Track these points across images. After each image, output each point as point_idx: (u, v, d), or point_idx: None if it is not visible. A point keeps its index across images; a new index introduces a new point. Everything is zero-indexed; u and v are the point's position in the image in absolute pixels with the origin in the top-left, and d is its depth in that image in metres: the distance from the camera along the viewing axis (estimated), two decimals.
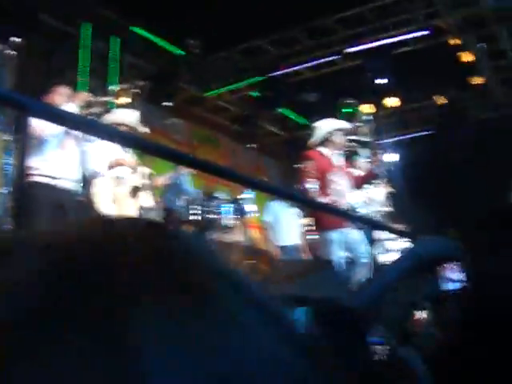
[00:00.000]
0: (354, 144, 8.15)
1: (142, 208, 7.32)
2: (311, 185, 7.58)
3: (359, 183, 8.29)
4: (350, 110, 12.49)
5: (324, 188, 7.60)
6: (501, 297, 1.12)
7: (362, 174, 8.40)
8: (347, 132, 8.10)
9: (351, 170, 8.21)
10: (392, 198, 10.69)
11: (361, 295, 1.62)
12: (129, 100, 7.17)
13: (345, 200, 7.74)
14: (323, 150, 7.85)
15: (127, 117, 7.48)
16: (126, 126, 7.32)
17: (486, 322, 1.11)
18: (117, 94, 7.09)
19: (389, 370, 1.43)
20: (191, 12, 10.45)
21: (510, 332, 1.06)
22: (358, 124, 8.61)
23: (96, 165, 7.29)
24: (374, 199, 9.76)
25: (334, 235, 7.51)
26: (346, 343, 1.46)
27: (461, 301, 1.22)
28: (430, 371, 1.83)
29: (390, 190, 10.68)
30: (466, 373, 1.10)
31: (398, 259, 2.12)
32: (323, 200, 7.49)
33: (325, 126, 8.03)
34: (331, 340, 1.47)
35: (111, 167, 7.21)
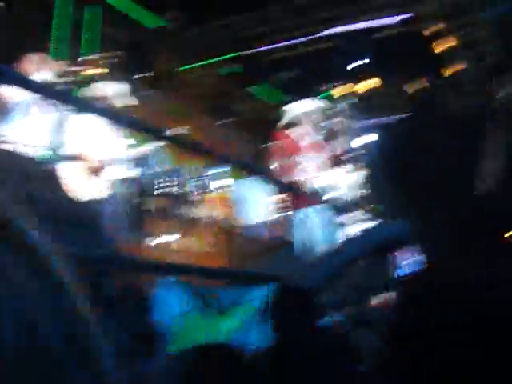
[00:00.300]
0: (328, 127, 8.16)
1: (114, 180, 7.32)
2: (276, 164, 7.64)
3: (332, 163, 8.33)
4: (328, 94, 12.48)
5: (290, 169, 7.65)
6: (451, 284, 1.14)
7: (336, 153, 8.41)
8: (319, 114, 8.13)
9: (323, 150, 8.22)
10: (366, 181, 10.76)
11: (312, 276, 1.64)
12: (99, 71, 7.13)
13: (310, 181, 7.79)
14: (291, 131, 7.91)
15: (110, 89, 7.48)
16: (109, 98, 7.32)
17: (432, 306, 1.12)
18: (88, 64, 7.05)
19: (338, 350, 1.45)
20: None
21: (455, 317, 1.08)
22: (333, 107, 8.63)
23: (70, 139, 7.28)
24: (345, 182, 9.81)
25: (297, 215, 7.58)
26: (297, 325, 1.48)
27: (409, 285, 1.24)
28: (381, 353, 1.86)
29: (364, 172, 10.73)
30: (414, 356, 1.12)
31: (351, 241, 2.14)
32: (287, 180, 7.54)
33: (294, 108, 8.08)
34: (283, 320, 1.49)
35: (76, 156, 7.20)
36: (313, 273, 1.63)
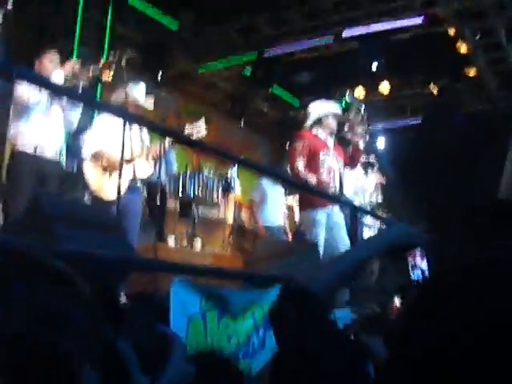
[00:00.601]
0: (358, 132, 8.17)
1: (137, 178, 7.35)
2: (300, 164, 7.66)
3: (352, 163, 8.37)
4: (347, 100, 12.45)
5: (315, 167, 7.70)
6: (458, 290, 1.13)
7: (356, 156, 8.41)
8: (340, 118, 8.16)
9: (343, 153, 8.24)
10: (383, 188, 10.76)
11: (322, 279, 1.64)
12: (112, 73, 7.16)
13: (334, 181, 7.85)
14: (316, 131, 7.96)
15: (137, 95, 7.54)
16: (134, 102, 7.38)
17: (437, 313, 1.12)
18: (102, 67, 7.08)
19: (348, 353, 1.45)
20: None
21: (460, 325, 1.08)
22: (353, 113, 8.64)
23: (91, 140, 7.35)
24: (365, 189, 9.82)
25: (320, 214, 7.60)
26: (309, 329, 1.48)
27: (418, 290, 1.24)
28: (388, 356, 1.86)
29: (382, 179, 10.74)
30: (416, 362, 1.12)
31: (361, 243, 2.15)
32: (312, 179, 7.58)
33: (319, 108, 8.14)
34: (297, 325, 1.49)
35: (95, 155, 7.25)
36: (320, 275, 1.63)
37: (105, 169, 7.17)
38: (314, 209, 7.64)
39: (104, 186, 7.14)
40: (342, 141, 8.26)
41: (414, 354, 1.12)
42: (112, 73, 7.12)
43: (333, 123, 8.03)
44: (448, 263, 1.25)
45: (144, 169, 7.36)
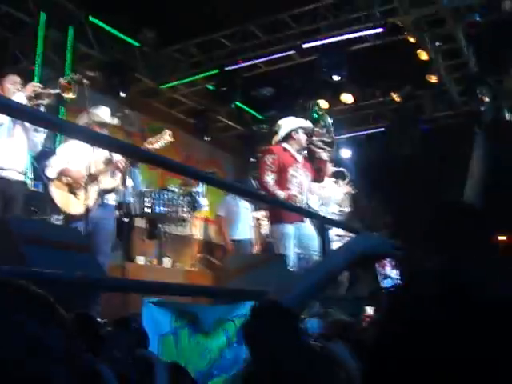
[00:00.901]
0: (318, 144, 8.20)
1: (103, 191, 7.33)
2: (270, 178, 7.67)
3: (319, 177, 8.40)
4: (319, 114, 12.46)
5: (284, 182, 7.72)
6: (429, 296, 1.14)
7: (323, 169, 8.44)
8: (309, 132, 8.19)
9: (311, 167, 8.26)
10: (352, 198, 10.80)
11: (293, 292, 1.64)
12: (74, 93, 7.13)
13: (303, 196, 7.88)
14: (286, 145, 7.98)
15: (100, 114, 7.54)
16: (100, 123, 7.38)
17: (410, 320, 1.13)
18: (63, 88, 7.05)
19: (318, 365, 1.45)
20: (146, 3, 10.43)
21: (433, 333, 1.08)
22: (322, 126, 8.68)
23: (55, 159, 7.34)
24: (331, 198, 9.83)
25: (290, 228, 7.61)
26: (282, 342, 1.48)
27: (390, 298, 1.25)
28: (360, 365, 1.87)
29: (350, 190, 10.78)
30: (389, 370, 1.12)
31: (329, 256, 2.16)
32: (281, 194, 7.59)
33: (289, 123, 8.17)
34: (269, 339, 1.49)
35: (61, 174, 7.24)
36: (291, 288, 1.63)
37: (70, 186, 7.14)
38: (283, 223, 7.65)
39: (71, 204, 7.11)
40: (309, 155, 8.28)
41: (389, 362, 1.12)
42: (74, 95, 7.09)
43: (302, 138, 8.07)
44: (416, 270, 1.26)
45: (108, 183, 7.35)
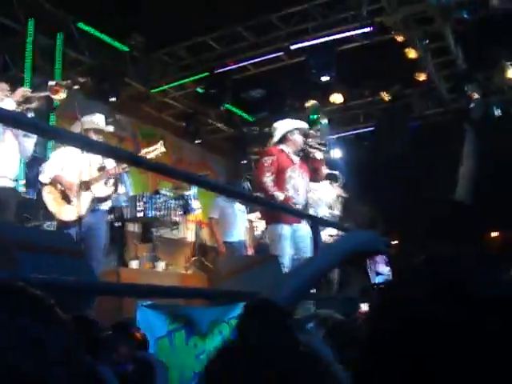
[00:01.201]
0: (313, 145, 8.21)
1: (97, 199, 7.35)
2: (269, 179, 7.69)
3: (316, 177, 8.43)
4: (317, 116, 12.45)
5: (282, 183, 7.74)
6: (420, 293, 1.15)
7: (316, 170, 8.45)
8: (305, 133, 8.20)
9: (307, 168, 8.27)
10: (343, 200, 10.82)
11: (284, 291, 1.65)
12: (64, 93, 7.14)
13: (300, 197, 7.90)
14: (283, 147, 8.00)
15: (95, 120, 7.56)
16: (95, 129, 7.40)
17: (401, 318, 1.14)
18: (53, 90, 7.05)
19: (308, 362, 1.46)
20: (135, 8, 10.42)
21: (425, 330, 1.09)
22: (317, 128, 8.70)
23: (49, 165, 7.35)
24: (322, 200, 9.84)
25: (286, 229, 7.63)
26: (276, 341, 1.49)
27: (380, 296, 1.26)
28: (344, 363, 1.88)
29: (342, 193, 10.80)
30: (380, 367, 1.13)
31: (318, 254, 2.17)
32: (280, 195, 7.61)
33: (284, 125, 8.19)
34: (262, 338, 1.50)
35: (54, 180, 7.24)
36: (282, 287, 1.63)
37: (63, 193, 7.15)
38: (279, 224, 7.66)
39: (63, 210, 7.12)
40: (304, 155, 8.29)
41: (381, 360, 1.13)
42: (64, 95, 7.10)
43: (298, 139, 8.08)
44: (407, 266, 1.27)
45: (102, 191, 7.36)
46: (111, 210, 7.95)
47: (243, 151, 16.85)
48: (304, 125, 8.32)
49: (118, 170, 7.32)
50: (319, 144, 8.26)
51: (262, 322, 1.52)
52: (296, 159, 8.06)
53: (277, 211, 7.63)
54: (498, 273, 1.20)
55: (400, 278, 1.26)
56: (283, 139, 8.10)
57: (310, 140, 8.20)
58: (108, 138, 7.87)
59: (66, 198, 7.11)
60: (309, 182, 8.26)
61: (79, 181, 7.07)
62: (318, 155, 8.28)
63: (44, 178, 7.31)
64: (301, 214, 7.57)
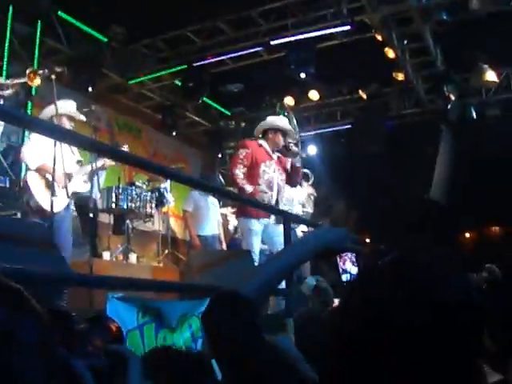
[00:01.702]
0: (291, 145, 8.20)
1: (74, 193, 7.33)
2: (240, 172, 7.69)
3: (295, 177, 8.41)
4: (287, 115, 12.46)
5: (255, 177, 7.73)
6: (380, 295, 1.16)
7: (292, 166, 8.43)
8: (284, 133, 8.18)
9: (284, 167, 8.24)
10: (315, 198, 10.85)
11: (252, 284, 1.66)
12: (39, 82, 7.11)
13: (273, 192, 7.88)
14: (262, 142, 8.00)
15: (68, 107, 7.50)
16: (68, 116, 7.35)
17: (362, 320, 1.15)
18: (30, 77, 7.01)
19: (272, 354, 1.47)
20: None
21: (385, 333, 1.11)
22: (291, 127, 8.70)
23: (32, 152, 7.28)
24: (292, 199, 9.86)
25: (256, 224, 7.63)
26: (240, 332, 1.50)
27: (343, 298, 1.27)
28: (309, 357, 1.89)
29: (313, 192, 10.84)
30: (342, 370, 1.15)
31: (288, 249, 2.17)
32: (249, 188, 7.60)
33: (268, 122, 8.19)
34: (226, 327, 1.51)
35: (41, 169, 7.19)
36: (251, 280, 1.64)
37: (48, 183, 7.10)
38: (249, 218, 7.66)
39: (46, 200, 7.06)
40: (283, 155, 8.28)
41: (342, 363, 1.14)
42: (39, 81, 7.05)
43: (278, 139, 8.05)
44: (374, 265, 1.28)
45: (81, 186, 7.35)
46: (84, 201, 7.91)
47: (219, 145, 16.83)
48: (287, 126, 8.28)
49: (94, 163, 7.32)
50: (294, 144, 8.25)
51: (227, 312, 1.53)
52: (274, 156, 8.05)
53: (246, 205, 7.63)
54: (466, 278, 1.22)
55: (366, 277, 1.27)
56: (264, 135, 8.10)
57: (289, 140, 8.19)
58: (82, 128, 7.83)
59: (50, 188, 7.04)
60: (284, 180, 8.23)
61: (63, 173, 7.04)
62: (295, 156, 8.27)
63: (31, 163, 7.22)
64: (272, 209, 7.57)
